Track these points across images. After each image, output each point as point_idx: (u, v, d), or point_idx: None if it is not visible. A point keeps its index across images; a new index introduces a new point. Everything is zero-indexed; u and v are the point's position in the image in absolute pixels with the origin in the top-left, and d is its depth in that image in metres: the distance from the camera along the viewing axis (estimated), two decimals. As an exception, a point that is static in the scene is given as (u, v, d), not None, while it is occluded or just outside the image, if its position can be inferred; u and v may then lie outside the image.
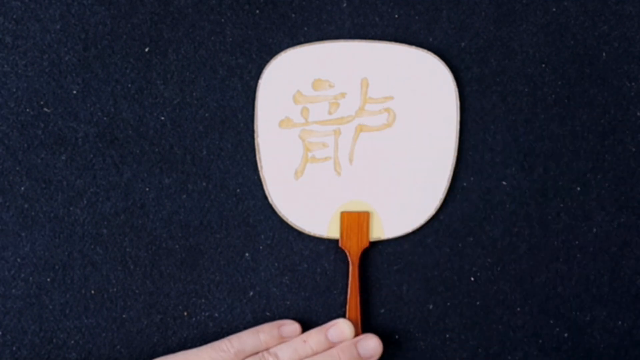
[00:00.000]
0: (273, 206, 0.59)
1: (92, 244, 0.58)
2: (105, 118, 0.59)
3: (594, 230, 0.60)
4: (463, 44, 0.60)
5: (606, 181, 0.61)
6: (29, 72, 0.58)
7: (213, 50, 0.59)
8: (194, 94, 0.59)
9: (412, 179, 0.59)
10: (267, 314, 0.59)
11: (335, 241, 0.59)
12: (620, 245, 0.60)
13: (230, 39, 0.59)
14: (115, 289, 0.58)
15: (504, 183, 0.60)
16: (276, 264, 0.59)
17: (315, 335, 0.57)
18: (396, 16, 0.60)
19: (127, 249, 0.59)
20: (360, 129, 0.59)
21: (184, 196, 0.59)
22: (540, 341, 0.60)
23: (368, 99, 0.59)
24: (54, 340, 0.58)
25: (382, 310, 0.60)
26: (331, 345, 0.57)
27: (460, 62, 0.60)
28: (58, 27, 0.59)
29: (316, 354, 0.57)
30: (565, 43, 0.60)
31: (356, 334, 0.58)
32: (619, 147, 0.61)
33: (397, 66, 0.59)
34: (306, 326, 0.58)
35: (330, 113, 0.59)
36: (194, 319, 0.59)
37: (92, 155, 0.58)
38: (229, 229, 0.59)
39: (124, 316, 0.58)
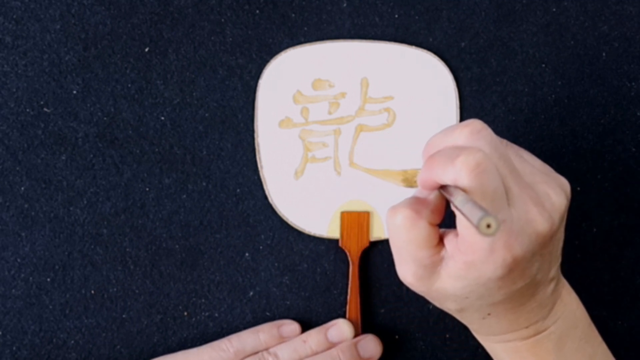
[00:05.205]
0: (273, 206, 0.59)
1: (92, 244, 0.58)
2: (105, 118, 0.59)
3: (594, 230, 0.60)
4: (463, 44, 0.60)
5: (606, 181, 0.60)
6: (29, 72, 0.58)
7: (213, 50, 0.59)
8: (194, 94, 0.59)
9: (412, 179, 0.59)
10: (267, 314, 0.59)
11: (335, 241, 0.59)
12: (620, 245, 0.60)
13: (230, 39, 0.59)
14: (115, 289, 0.58)
15: (504, 183, 0.60)
16: (276, 264, 0.59)
17: (315, 335, 0.57)
18: (396, 16, 0.60)
19: (127, 249, 0.59)
20: (360, 128, 0.59)
21: (184, 196, 0.59)
22: (540, 341, 0.60)
23: (368, 98, 0.59)
24: (54, 340, 0.58)
25: (382, 310, 0.60)
26: (331, 345, 0.57)
27: (460, 62, 0.60)
28: (58, 27, 0.59)
29: (316, 354, 0.57)
30: (565, 43, 0.60)
31: (356, 334, 0.58)
32: (619, 147, 0.60)
33: (397, 66, 0.59)
34: (306, 326, 0.58)
35: (330, 113, 0.59)
36: (194, 319, 0.59)
37: (92, 155, 0.58)
38: (229, 229, 0.59)
39: (124, 316, 0.58)
